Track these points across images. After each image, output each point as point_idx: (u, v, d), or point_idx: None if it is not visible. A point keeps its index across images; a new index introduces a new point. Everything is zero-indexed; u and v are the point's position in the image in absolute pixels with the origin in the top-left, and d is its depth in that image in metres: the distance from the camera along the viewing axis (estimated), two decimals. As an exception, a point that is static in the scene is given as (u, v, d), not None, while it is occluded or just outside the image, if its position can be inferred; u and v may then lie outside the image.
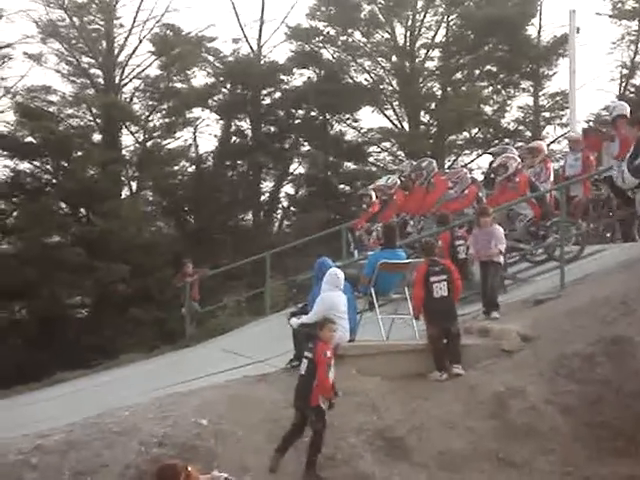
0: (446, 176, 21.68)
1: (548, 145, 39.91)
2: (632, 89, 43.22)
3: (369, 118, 44.80)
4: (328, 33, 44.07)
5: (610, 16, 43.61)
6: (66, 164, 38.93)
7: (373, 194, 22.79)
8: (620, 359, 12.85)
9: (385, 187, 22.36)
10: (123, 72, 42.03)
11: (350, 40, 44.23)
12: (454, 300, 14.35)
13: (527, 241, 18.51)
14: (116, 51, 41.81)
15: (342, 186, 43.97)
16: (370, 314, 15.26)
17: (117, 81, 41.85)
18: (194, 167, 43.26)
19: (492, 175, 20.13)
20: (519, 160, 19.59)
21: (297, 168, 44.80)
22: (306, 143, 44.52)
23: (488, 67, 44.69)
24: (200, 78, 43.42)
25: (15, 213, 39.41)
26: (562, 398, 12.97)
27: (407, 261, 15.86)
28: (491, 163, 21.22)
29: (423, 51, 44.89)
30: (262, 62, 43.68)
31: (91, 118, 41.07)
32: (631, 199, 16.42)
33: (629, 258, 16.55)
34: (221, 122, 43.64)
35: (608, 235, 20.14)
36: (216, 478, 8.78)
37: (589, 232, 19.08)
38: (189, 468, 8.47)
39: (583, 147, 19.99)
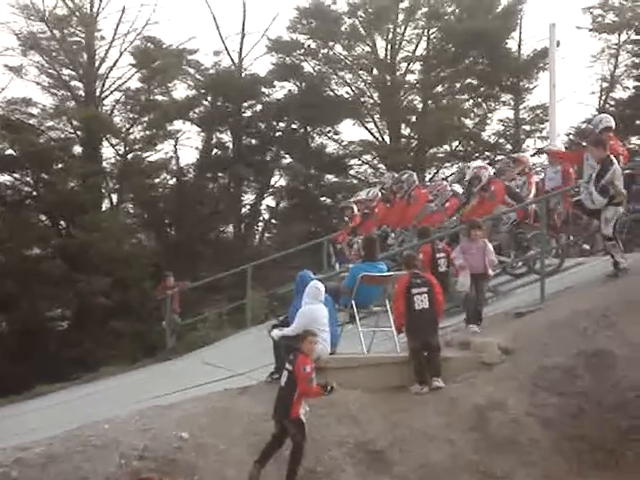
0: (427, 189, 21.74)
1: (532, 156, 40.22)
2: (612, 102, 43.46)
3: (350, 131, 45.06)
4: (309, 46, 44.20)
5: (590, 30, 43.94)
6: (46, 176, 38.84)
7: (354, 207, 22.83)
8: (600, 372, 12.89)
9: (366, 200, 22.42)
10: (104, 84, 42.00)
11: (331, 53, 44.37)
12: (436, 313, 14.34)
13: (511, 247, 18.50)
14: (97, 63, 41.74)
15: (323, 199, 44.09)
16: (351, 327, 15.27)
17: (98, 93, 41.78)
18: (175, 179, 43.29)
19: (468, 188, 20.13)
20: (489, 169, 19.68)
21: (278, 180, 44.90)
22: (287, 155, 44.59)
23: (469, 80, 44.89)
24: (181, 90, 43.52)
25: (-5, 225, 39.24)
26: (542, 411, 12.99)
27: (388, 274, 15.87)
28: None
29: (404, 64, 45.04)
30: (243, 75, 43.74)
31: (71, 130, 41.02)
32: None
33: (609, 271, 16.62)
34: (202, 134, 43.68)
35: (587, 248, 20.24)
36: None
37: (569, 245, 19.17)
38: None
39: (562, 160, 20.08)
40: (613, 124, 18.36)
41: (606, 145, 16.46)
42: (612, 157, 16.13)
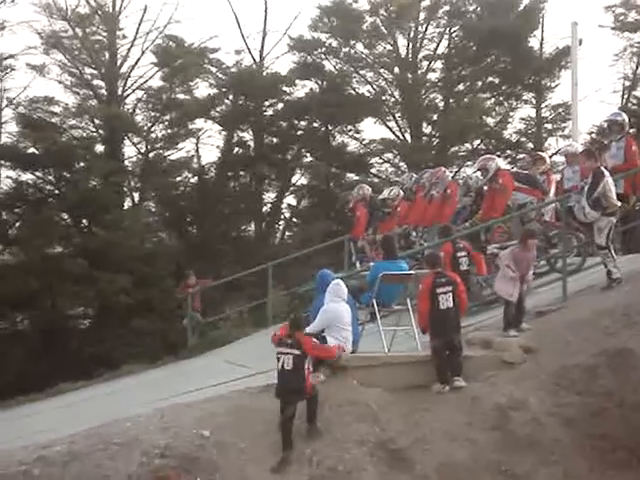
0: (425, 178, 21.61)
1: (550, 157, 40.07)
2: (634, 101, 43.26)
3: (371, 129, 44.93)
4: (330, 44, 44.13)
5: (612, 28, 43.74)
6: (68, 175, 38.91)
7: (350, 199, 23.14)
8: (622, 371, 12.85)
9: (388, 200, 22.44)
10: (126, 83, 42.11)
11: (352, 51, 44.30)
12: (459, 312, 14.30)
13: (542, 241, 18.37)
14: (119, 62, 41.87)
15: (344, 197, 43.99)
16: (372, 325, 15.27)
17: (120, 92, 41.90)
18: (196, 178, 43.32)
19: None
20: (497, 160, 19.63)
21: (299, 179, 44.87)
22: (308, 154, 44.56)
23: (490, 79, 44.74)
24: (202, 89, 43.53)
25: (17, 224, 39.38)
26: (564, 410, 12.96)
27: (409, 272, 15.85)
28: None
29: (425, 63, 44.93)
30: (264, 73, 43.71)
31: (93, 129, 41.18)
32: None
33: (631, 270, 16.56)
34: (223, 133, 43.67)
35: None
36: None
37: (590, 244, 19.08)
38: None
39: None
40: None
41: (597, 156, 16.43)
42: (602, 168, 16.07)
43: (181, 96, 42.80)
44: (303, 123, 44.05)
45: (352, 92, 44.28)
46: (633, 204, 18.65)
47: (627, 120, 19.35)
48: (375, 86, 44.64)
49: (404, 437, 12.53)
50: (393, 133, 44.71)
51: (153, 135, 42.18)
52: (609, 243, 15.87)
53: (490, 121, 44.64)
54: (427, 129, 45.19)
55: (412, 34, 44.36)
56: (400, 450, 12.35)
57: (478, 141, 44.71)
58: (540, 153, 22.53)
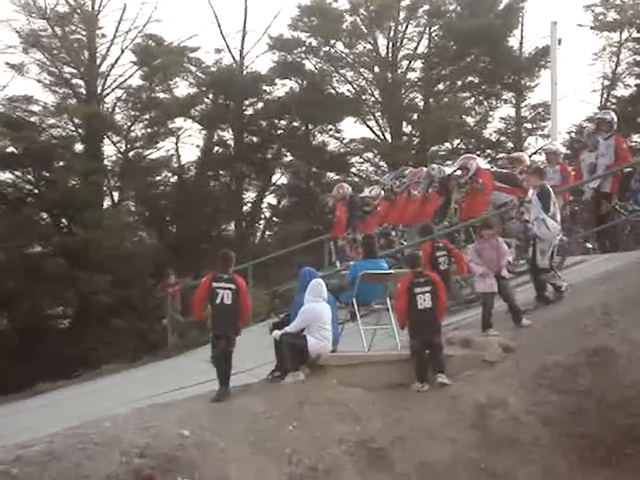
0: (407, 178, 21.60)
1: (529, 156, 40.20)
2: (613, 100, 43.41)
3: (351, 129, 44.93)
4: (310, 44, 44.15)
5: (591, 28, 43.88)
6: (48, 174, 38.87)
7: (330, 200, 23.16)
8: (601, 370, 12.90)
9: (369, 198, 22.47)
10: (105, 82, 42.03)
11: (332, 51, 44.36)
12: (438, 312, 14.28)
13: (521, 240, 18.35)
14: (98, 61, 41.78)
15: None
16: (352, 325, 15.26)
17: (99, 91, 41.82)
18: (176, 177, 43.27)
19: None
20: (477, 159, 19.67)
21: (279, 178, 44.90)
22: (288, 153, 44.58)
23: (470, 78, 44.90)
24: (182, 88, 43.50)
25: (-4, 223, 39.24)
26: (543, 409, 12.99)
27: (389, 271, 15.86)
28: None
29: (405, 62, 45.03)
30: (244, 72, 43.68)
31: (73, 128, 41.08)
32: None
33: (609, 269, 16.62)
34: (203, 132, 43.67)
35: (589, 246, 20.27)
36: None
37: (570, 243, 19.15)
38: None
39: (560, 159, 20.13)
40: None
41: (543, 174, 16.39)
42: (546, 185, 16.02)
43: (161, 95, 42.78)
44: (283, 122, 44.09)
45: (332, 91, 44.33)
46: (614, 204, 18.78)
47: (616, 119, 19.46)
48: (355, 85, 44.73)
49: (384, 436, 12.53)
50: (373, 132, 44.78)
51: (133, 134, 42.15)
52: (552, 264, 15.77)
53: (470, 120, 44.81)
54: (407, 128, 45.32)
55: (392, 33, 44.42)
56: (380, 449, 12.36)
57: (458, 140, 44.85)
58: (517, 154, 22.54)
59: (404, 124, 44.98)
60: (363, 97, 44.82)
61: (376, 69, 44.43)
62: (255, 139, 44.04)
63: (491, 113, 45.31)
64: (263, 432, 12.26)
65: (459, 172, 19.47)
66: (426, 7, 44.46)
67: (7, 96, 40.23)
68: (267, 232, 45.02)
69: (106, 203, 41.48)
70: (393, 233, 20.99)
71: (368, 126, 44.72)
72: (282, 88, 44.18)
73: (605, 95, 44.21)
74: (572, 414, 12.88)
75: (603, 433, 12.50)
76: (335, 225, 23.32)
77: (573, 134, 40.70)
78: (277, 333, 14.20)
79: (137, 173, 41.44)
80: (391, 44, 44.48)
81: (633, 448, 12.46)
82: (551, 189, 16.03)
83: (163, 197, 42.60)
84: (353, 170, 45.25)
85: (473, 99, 45.35)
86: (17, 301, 35.03)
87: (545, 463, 12.36)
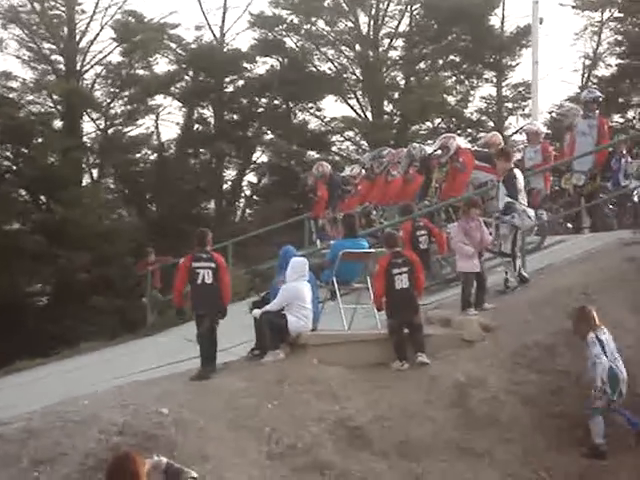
0: (388, 157, 21.56)
1: (510, 136, 40.28)
2: (595, 80, 43.48)
3: (332, 107, 45.21)
4: (292, 21, 44.09)
5: (573, 7, 43.93)
6: (26, 151, 38.70)
7: (310, 179, 23.14)
8: (580, 350, 12.90)
9: (350, 177, 22.45)
10: (84, 58, 41.90)
11: (314, 29, 44.33)
12: (415, 292, 14.24)
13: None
14: (77, 37, 41.68)
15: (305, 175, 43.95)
16: (332, 304, 15.25)
17: (78, 67, 41.69)
18: (156, 155, 43.23)
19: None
20: (457, 139, 19.64)
21: (260, 157, 44.94)
22: (269, 132, 44.57)
23: (451, 57, 44.96)
24: (162, 65, 43.46)
25: (-26, 200, 39.04)
26: (522, 388, 13.01)
27: (369, 250, 15.83)
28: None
29: (387, 40, 45.07)
30: (225, 50, 43.61)
31: (52, 105, 40.95)
32: None
33: (589, 249, 16.66)
34: (183, 110, 43.60)
35: (569, 226, 20.30)
36: (158, 463, 8.70)
37: (550, 222, 19.15)
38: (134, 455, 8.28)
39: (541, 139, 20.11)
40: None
41: (509, 156, 16.12)
42: (514, 169, 15.84)
43: (140, 72, 42.70)
44: (264, 100, 44.06)
45: (313, 69, 44.32)
46: (598, 184, 18.80)
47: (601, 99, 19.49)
48: (336, 64, 44.74)
49: (363, 414, 12.52)
50: (354, 111, 44.80)
51: (112, 111, 42.08)
52: (515, 250, 15.70)
53: (451, 99, 44.86)
54: (388, 107, 45.35)
55: (373, 11, 44.45)
56: (359, 427, 12.34)
57: (439, 120, 44.93)
58: (489, 135, 22.37)
59: (385, 103, 45.01)
60: (344, 75, 44.82)
61: (357, 47, 44.41)
62: (235, 117, 43.98)
63: (472, 92, 45.48)
64: (242, 410, 12.23)
65: (439, 152, 19.43)
66: (407, -16, 44.42)
67: (-15, 73, 40.01)
68: (247, 210, 45.02)
69: (85, 180, 41.49)
70: (374, 212, 20.96)
71: (349, 105, 44.75)
72: (263, 66, 44.27)
73: (586, 75, 44.29)
74: (551, 393, 12.91)
75: (581, 412, 12.53)
76: (316, 204, 23.29)
77: (554, 114, 40.73)
78: (257, 312, 14.17)
79: (116, 150, 41.33)
80: (372, 22, 44.47)
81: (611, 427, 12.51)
82: (519, 173, 15.88)
83: (143, 175, 42.53)
84: (334, 149, 45.34)
85: (454, 78, 45.43)
86: (-5, 278, 34.90)
87: (524, 442, 12.38)
